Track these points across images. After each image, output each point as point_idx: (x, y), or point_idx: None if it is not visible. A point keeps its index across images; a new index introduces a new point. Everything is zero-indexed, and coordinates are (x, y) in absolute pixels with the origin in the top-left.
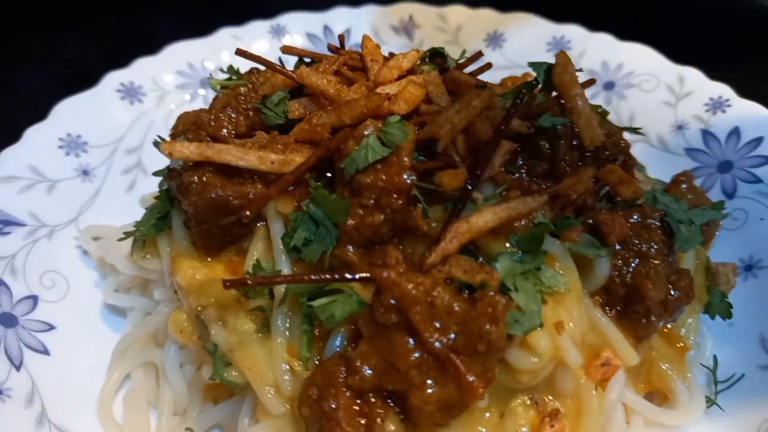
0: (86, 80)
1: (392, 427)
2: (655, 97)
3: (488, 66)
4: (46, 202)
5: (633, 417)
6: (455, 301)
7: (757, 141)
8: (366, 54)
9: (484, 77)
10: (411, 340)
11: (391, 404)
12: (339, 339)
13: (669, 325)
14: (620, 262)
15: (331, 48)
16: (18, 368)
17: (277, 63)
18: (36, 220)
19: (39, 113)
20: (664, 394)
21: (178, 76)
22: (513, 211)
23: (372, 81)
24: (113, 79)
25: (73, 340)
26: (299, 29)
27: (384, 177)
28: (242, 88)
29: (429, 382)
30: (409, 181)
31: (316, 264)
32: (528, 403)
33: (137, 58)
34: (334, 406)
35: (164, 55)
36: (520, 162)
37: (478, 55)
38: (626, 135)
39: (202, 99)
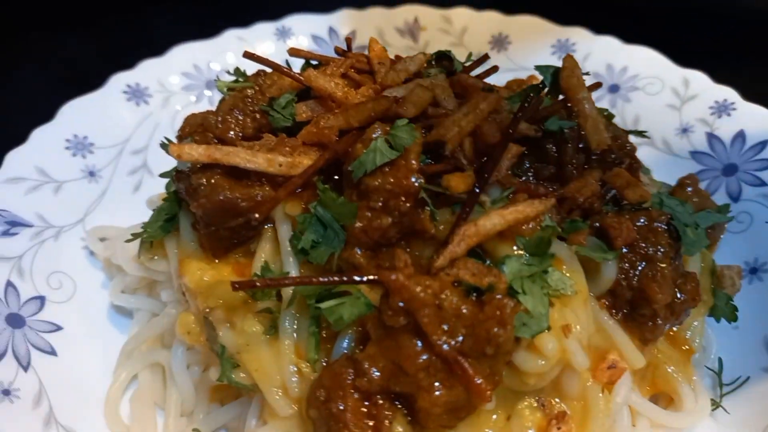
0: (86, 80)
1: (400, 429)
2: (660, 100)
3: (495, 69)
4: (52, 203)
5: (639, 419)
6: (463, 304)
7: (762, 144)
8: (373, 57)
9: (488, 80)
10: (419, 343)
11: (399, 406)
12: (346, 341)
13: (674, 328)
14: (627, 265)
15: (338, 51)
16: (26, 369)
17: (284, 65)
18: (43, 221)
19: (39, 113)
20: (669, 397)
21: (183, 77)
22: (521, 214)
23: (379, 84)
24: (119, 80)
25: (79, 341)
26: (305, 31)
27: (392, 180)
28: (249, 91)
29: (437, 384)
30: (417, 184)
31: (324, 266)
32: (535, 405)
33: (137, 57)
34: (342, 407)
35: (170, 57)
36: (527, 165)
37: (485, 58)
38: (631, 138)
39: (207, 100)
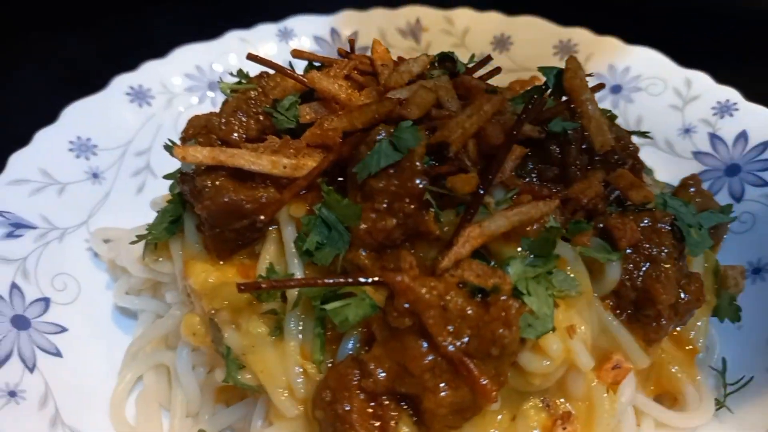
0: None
1: (406, 430)
2: (662, 100)
3: (497, 71)
4: (56, 204)
5: (643, 419)
6: (468, 305)
7: (765, 145)
8: (376, 58)
9: (490, 81)
10: (424, 344)
11: (405, 407)
12: (351, 342)
13: (678, 329)
14: (631, 266)
15: (341, 52)
16: (31, 370)
17: (287, 67)
18: (47, 222)
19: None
20: (673, 397)
21: (186, 78)
22: (525, 215)
23: (383, 85)
24: (122, 82)
25: (84, 342)
26: (306, 32)
27: (396, 181)
28: (252, 92)
29: (442, 385)
30: (421, 186)
31: (328, 268)
32: (540, 405)
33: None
34: (348, 408)
35: (172, 58)
36: (531, 166)
37: (488, 59)
38: (634, 139)
39: (210, 102)
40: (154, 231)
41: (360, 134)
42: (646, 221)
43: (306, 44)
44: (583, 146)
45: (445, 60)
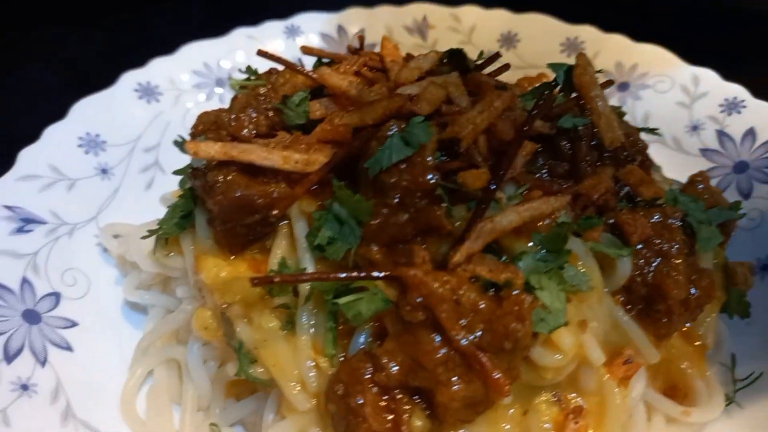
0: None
1: (419, 423)
2: (669, 97)
3: (506, 67)
4: (66, 200)
5: (654, 414)
6: (481, 299)
7: None
8: (386, 55)
9: (498, 77)
10: (437, 338)
11: (418, 401)
12: (363, 336)
13: (688, 324)
14: (642, 261)
15: (350, 49)
16: (43, 364)
17: (296, 63)
18: (57, 218)
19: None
20: (683, 392)
21: (194, 75)
22: (536, 210)
23: (393, 82)
24: (130, 78)
25: (95, 337)
26: (314, 29)
27: (408, 177)
28: (262, 89)
29: (455, 379)
30: (433, 181)
31: (340, 262)
32: (552, 400)
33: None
34: (360, 402)
35: (180, 55)
36: (541, 162)
37: (496, 56)
38: (642, 135)
39: (218, 98)
40: (165, 226)
41: (371, 130)
42: (656, 217)
43: (313, 41)
44: (593, 142)
45: (455, 56)
